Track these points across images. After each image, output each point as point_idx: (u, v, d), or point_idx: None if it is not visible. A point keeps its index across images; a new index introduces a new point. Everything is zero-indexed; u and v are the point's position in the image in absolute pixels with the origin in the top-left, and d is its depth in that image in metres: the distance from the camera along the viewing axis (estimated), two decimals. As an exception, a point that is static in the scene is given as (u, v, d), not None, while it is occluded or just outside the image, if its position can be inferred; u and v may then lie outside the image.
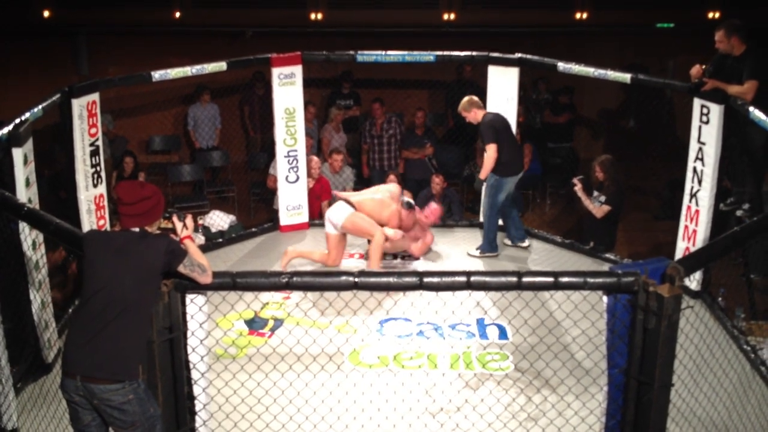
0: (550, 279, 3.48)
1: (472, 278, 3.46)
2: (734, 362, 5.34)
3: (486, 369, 5.53)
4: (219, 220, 8.13)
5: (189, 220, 3.71)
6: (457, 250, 7.63)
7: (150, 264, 3.41)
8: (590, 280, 3.46)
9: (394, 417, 4.92)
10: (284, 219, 7.98)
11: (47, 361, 5.36)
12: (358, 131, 9.98)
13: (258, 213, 9.55)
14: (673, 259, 3.52)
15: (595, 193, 7.69)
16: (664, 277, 3.41)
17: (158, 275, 3.44)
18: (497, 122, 7.20)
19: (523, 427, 4.65)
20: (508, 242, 7.70)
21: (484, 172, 7.18)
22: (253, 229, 8.04)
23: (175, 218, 3.69)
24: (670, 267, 3.42)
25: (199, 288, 3.49)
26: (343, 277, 3.46)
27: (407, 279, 3.48)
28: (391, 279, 3.49)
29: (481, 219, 8.05)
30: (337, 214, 6.95)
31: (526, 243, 7.66)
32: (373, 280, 3.51)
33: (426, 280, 3.46)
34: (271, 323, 6.17)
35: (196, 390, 3.64)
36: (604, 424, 3.65)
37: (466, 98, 7.30)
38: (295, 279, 3.46)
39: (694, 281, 6.42)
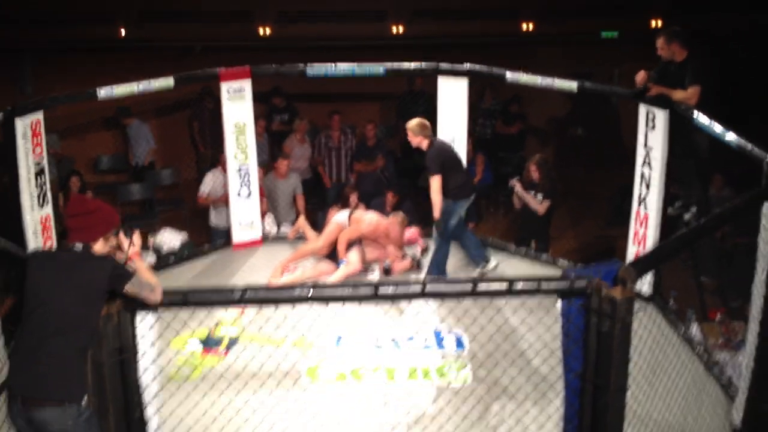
0: (505, 285, 3.48)
1: (428, 287, 3.45)
2: (687, 365, 5.40)
3: (444, 379, 5.52)
4: (170, 238, 8.00)
5: (136, 237, 3.64)
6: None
7: (92, 285, 3.33)
8: (544, 285, 3.47)
9: (353, 432, 4.88)
10: (237, 236, 7.88)
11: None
12: (312, 143, 9.97)
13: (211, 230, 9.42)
14: (625, 263, 3.56)
15: (531, 192, 7.88)
16: (616, 280, 3.44)
17: (100, 297, 3.35)
18: (443, 151, 7.09)
19: (488, 412, 4.63)
20: (478, 269, 7.31)
21: (436, 210, 6.95)
22: (206, 246, 7.93)
23: (121, 235, 3.61)
24: (621, 270, 3.45)
25: (149, 307, 3.42)
26: (297, 291, 3.42)
27: (362, 290, 3.45)
28: (346, 291, 3.46)
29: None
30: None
31: (492, 263, 7.29)
32: (328, 292, 3.48)
33: (381, 290, 3.43)
34: (226, 341, 6.06)
35: (149, 412, 3.55)
36: (562, 429, 3.66)
37: (417, 121, 7.11)
38: (248, 294, 3.40)
39: (645, 284, 6.50)
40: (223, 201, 8.05)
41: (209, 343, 6.02)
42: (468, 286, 3.47)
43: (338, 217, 7.38)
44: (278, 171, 8.62)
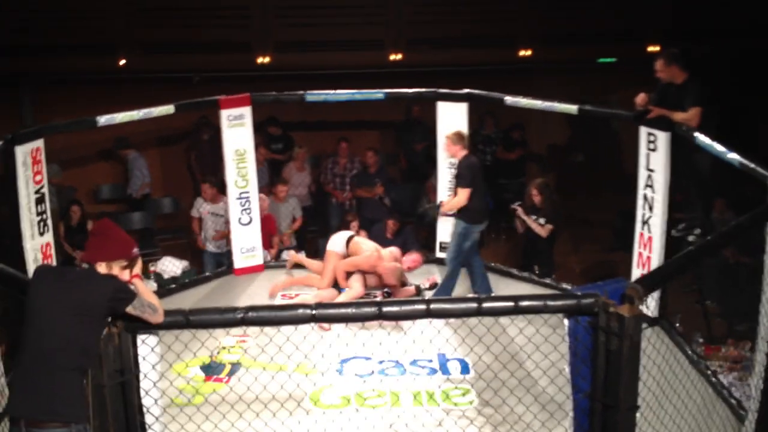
0: (511, 304, 3.43)
1: (432, 306, 3.40)
2: (697, 386, 5.32)
3: (449, 404, 5.44)
4: (171, 266, 7.98)
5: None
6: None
7: (92, 307, 3.28)
8: (550, 303, 3.43)
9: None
10: (238, 262, 7.84)
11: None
12: (318, 169, 10.04)
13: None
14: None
15: (533, 217, 7.87)
16: (623, 298, 3.40)
17: (100, 318, 3.30)
18: (475, 167, 7.11)
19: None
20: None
21: (448, 206, 7.06)
22: (207, 274, 7.89)
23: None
24: (629, 287, 3.41)
25: (150, 328, 3.37)
26: (300, 310, 3.36)
27: (366, 309, 3.40)
28: (349, 310, 3.41)
29: (438, 255, 8.03)
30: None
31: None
32: (331, 311, 3.43)
33: (385, 309, 3.38)
34: (228, 368, 6.00)
35: (151, 435, 3.48)
36: (572, 450, 3.59)
37: (456, 131, 7.19)
38: (250, 314, 3.35)
39: (651, 306, 6.44)
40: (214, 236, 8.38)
41: (211, 371, 5.96)
42: (473, 305, 3.42)
43: (334, 245, 7.31)
44: (277, 195, 8.71)
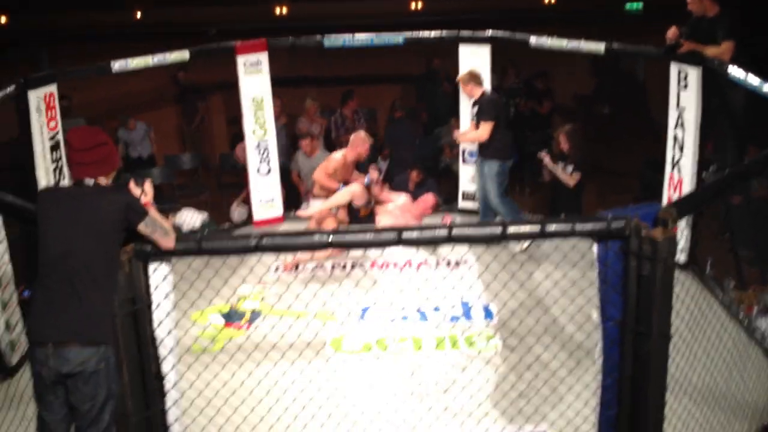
0: (537, 228, 3.27)
1: (454, 231, 3.24)
2: (729, 329, 5.15)
3: (473, 348, 5.31)
4: (190, 218, 7.84)
5: (147, 186, 3.49)
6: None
7: (109, 219, 3.19)
8: (578, 227, 3.25)
9: (378, 403, 4.67)
10: (258, 213, 7.72)
11: (11, 365, 5.07)
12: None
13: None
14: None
15: (561, 164, 7.65)
16: (656, 222, 3.22)
17: (119, 231, 3.20)
18: (498, 102, 7.11)
19: (520, 381, 4.44)
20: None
21: (464, 137, 7.14)
22: (226, 225, 7.78)
23: (132, 184, 3.45)
24: (662, 210, 3.24)
25: (162, 255, 3.24)
26: (317, 237, 3.22)
27: (385, 235, 3.25)
28: (367, 236, 3.27)
29: (461, 205, 7.87)
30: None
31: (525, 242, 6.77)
32: (348, 238, 3.28)
33: (405, 235, 3.23)
34: (248, 315, 5.91)
35: (165, 368, 3.37)
36: (600, 382, 3.44)
37: (468, 70, 7.16)
38: (264, 241, 3.21)
39: (681, 253, 6.24)
40: None
41: (231, 317, 5.87)
42: (498, 230, 3.26)
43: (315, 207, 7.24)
44: (305, 150, 8.55)
